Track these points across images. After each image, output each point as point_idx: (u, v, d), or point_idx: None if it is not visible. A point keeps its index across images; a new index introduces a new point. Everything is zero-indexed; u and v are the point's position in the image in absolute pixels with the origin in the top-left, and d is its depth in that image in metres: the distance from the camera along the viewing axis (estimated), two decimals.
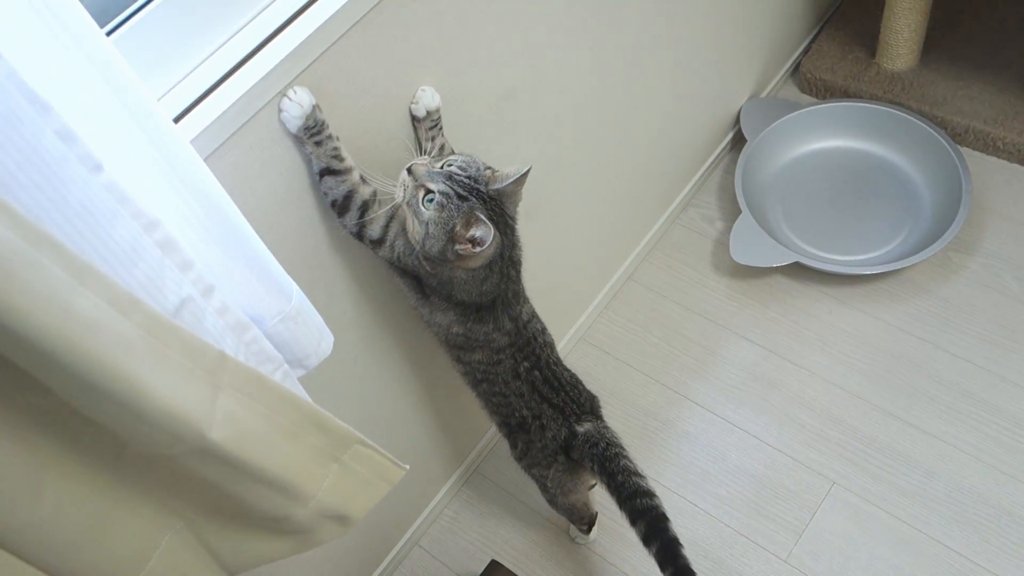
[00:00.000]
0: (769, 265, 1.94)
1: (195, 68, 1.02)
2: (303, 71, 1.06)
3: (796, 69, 2.34)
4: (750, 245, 1.96)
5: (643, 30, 1.66)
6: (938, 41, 2.22)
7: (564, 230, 1.76)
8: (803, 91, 2.32)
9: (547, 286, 1.79)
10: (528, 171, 1.14)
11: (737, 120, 2.21)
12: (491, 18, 1.31)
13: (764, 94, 2.28)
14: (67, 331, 0.62)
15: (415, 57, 1.21)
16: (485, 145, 1.42)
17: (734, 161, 2.15)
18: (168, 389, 0.71)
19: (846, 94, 2.22)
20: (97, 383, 0.66)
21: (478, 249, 1.11)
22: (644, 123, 1.84)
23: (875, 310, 1.94)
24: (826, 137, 2.17)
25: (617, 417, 1.87)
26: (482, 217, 1.09)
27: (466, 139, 1.36)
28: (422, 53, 1.22)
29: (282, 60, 1.02)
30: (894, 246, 1.99)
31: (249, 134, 1.05)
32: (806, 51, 2.33)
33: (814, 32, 2.37)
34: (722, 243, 2.10)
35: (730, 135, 2.23)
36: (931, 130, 2.03)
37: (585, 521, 1.66)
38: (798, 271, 2.00)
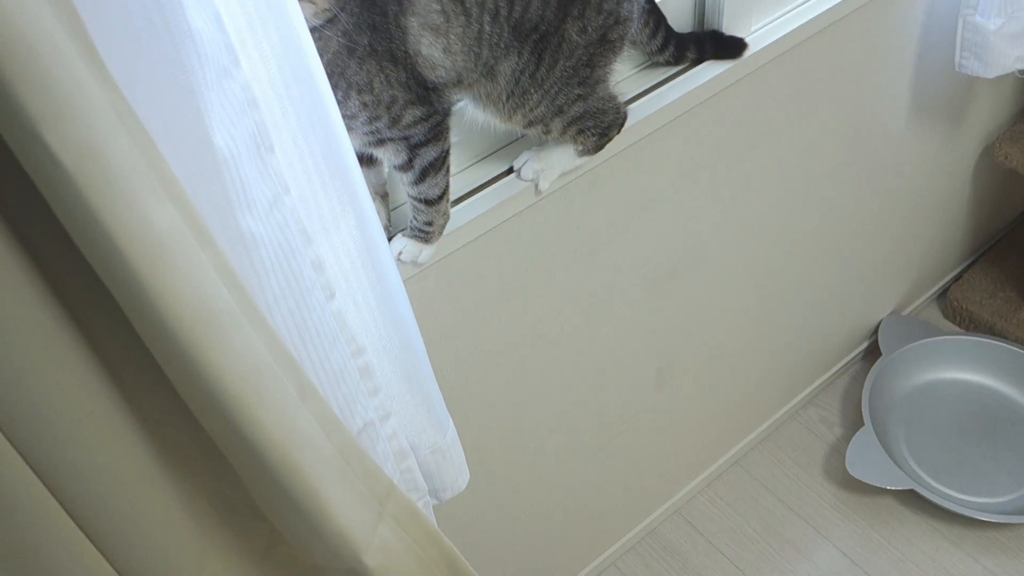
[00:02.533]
0: (883, 486, 1.90)
1: None
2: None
3: (943, 294, 2.34)
4: (867, 460, 1.93)
5: (801, 228, 1.71)
6: None
7: (686, 401, 1.79)
8: (946, 317, 2.31)
9: (656, 450, 1.81)
10: None
11: (875, 332, 2.21)
12: (669, 205, 1.40)
13: (906, 311, 2.29)
14: (287, 445, 0.68)
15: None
16: (638, 315, 1.48)
17: (864, 371, 2.15)
18: (344, 510, 0.77)
19: (991, 331, 2.21)
20: (292, 494, 0.72)
21: None
22: (784, 316, 1.87)
23: (986, 560, 1.87)
24: (964, 370, 2.15)
25: None
26: None
27: (621, 316, 1.42)
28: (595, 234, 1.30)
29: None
30: (1016, 496, 1.93)
31: (431, 273, 1.13)
32: (957, 279, 2.34)
33: (968, 262, 2.37)
34: (837, 450, 2.07)
35: (865, 344, 2.23)
36: None
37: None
38: (911, 499, 1.96)
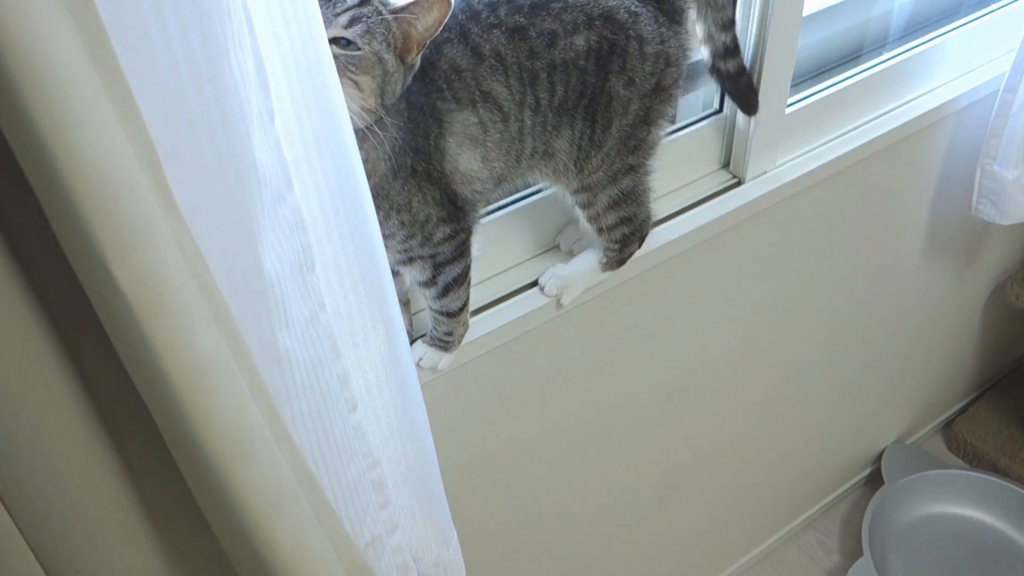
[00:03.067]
0: None
1: None
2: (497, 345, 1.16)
3: (948, 426, 2.34)
4: None
5: (810, 353, 1.73)
6: None
7: (685, 518, 1.77)
8: (950, 449, 2.31)
9: (651, 565, 1.79)
10: None
11: (878, 459, 2.20)
12: (684, 326, 1.41)
13: (910, 440, 2.28)
14: (299, 565, 0.68)
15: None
16: (646, 430, 1.49)
17: (865, 498, 2.13)
18: None
19: (994, 468, 2.19)
20: None
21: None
22: (789, 438, 1.87)
23: None
24: (965, 506, 2.13)
25: None
26: None
27: (628, 429, 1.43)
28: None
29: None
30: None
31: (447, 378, 1.14)
32: (962, 411, 2.34)
33: (973, 395, 2.38)
34: None
35: (867, 471, 2.22)
36: None
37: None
38: None
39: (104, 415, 0.61)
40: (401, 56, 0.84)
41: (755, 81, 1.24)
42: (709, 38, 1.16)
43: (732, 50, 1.17)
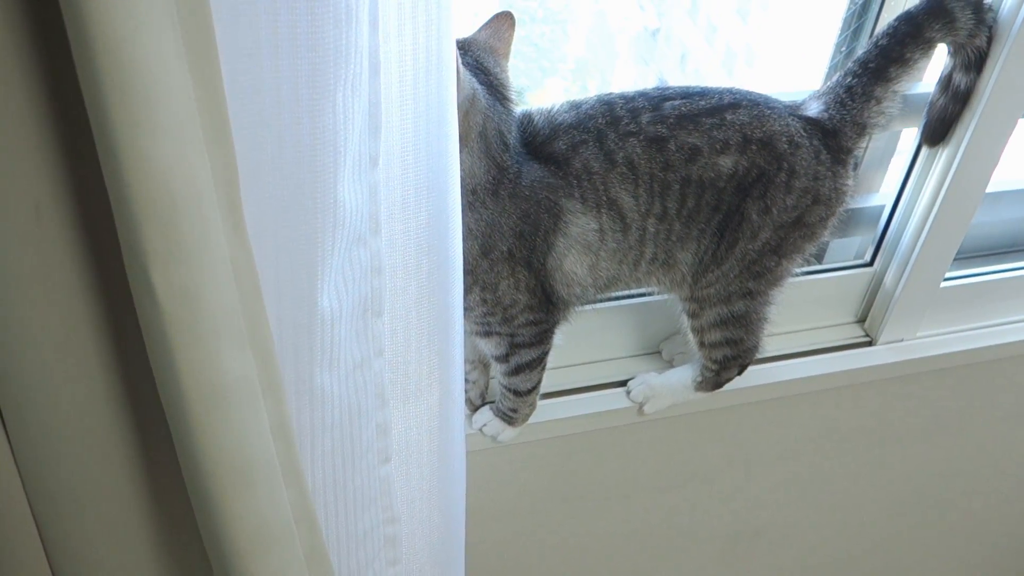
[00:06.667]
0: None
1: None
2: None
3: None
4: None
5: (905, 531, 1.59)
6: None
7: None
8: None
9: None
10: (506, 16, 0.85)
11: None
12: (774, 471, 1.32)
13: None
14: None
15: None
16: (702, 565, 1.40)
17: None
18: None
19: None
20: None
21: None
22: None
23: None
24: None
25: None
26: None
27: (685, 563, 1.35)
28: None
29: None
30: None
31: (507, 452, 1.11)
32: None
33: None
34: None
35: None
36: None
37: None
38: None
39: (137, 413, 0.62)
40: None
41: (917, 244, 1.16)
42: (960, 47, 1.01)
43: (981, 56, 1.01)
